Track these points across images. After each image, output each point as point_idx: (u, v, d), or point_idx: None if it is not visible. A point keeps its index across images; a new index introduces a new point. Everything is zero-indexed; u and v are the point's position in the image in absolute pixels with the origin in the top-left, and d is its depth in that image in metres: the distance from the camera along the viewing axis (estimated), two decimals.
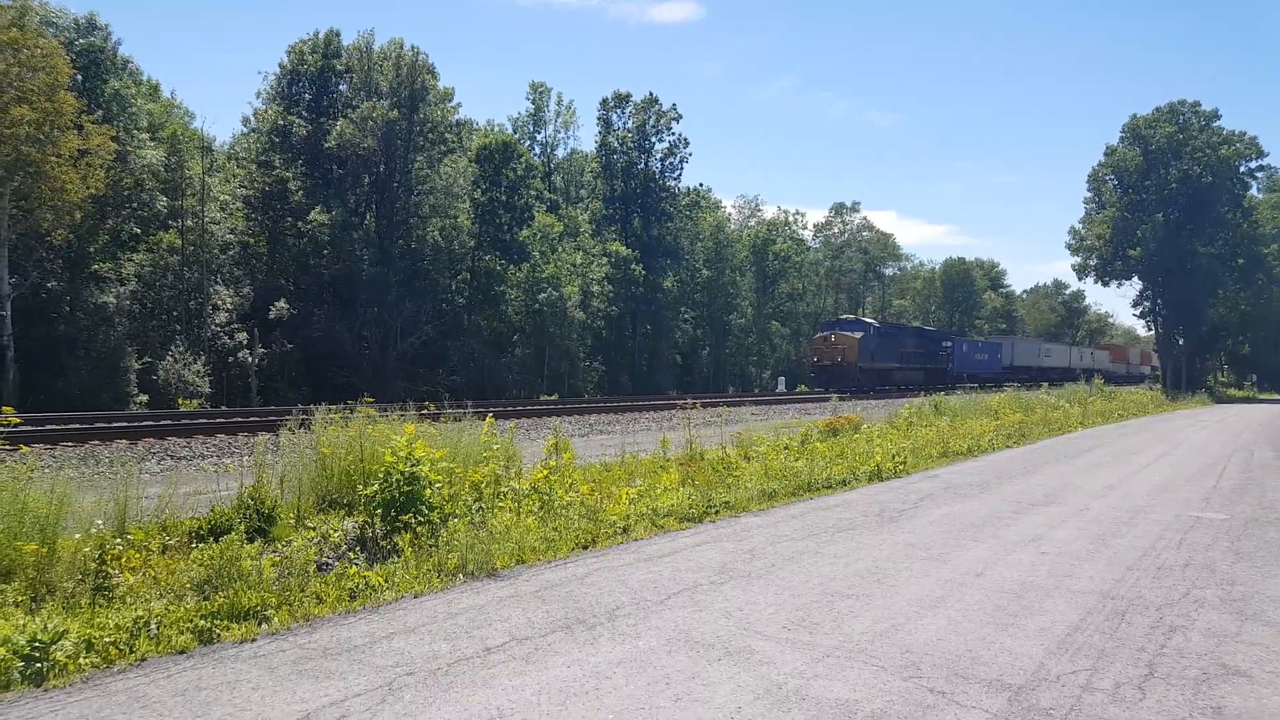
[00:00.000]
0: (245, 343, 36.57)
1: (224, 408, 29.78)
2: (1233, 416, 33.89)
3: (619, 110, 57.89)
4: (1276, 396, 68.44)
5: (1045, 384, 38.79)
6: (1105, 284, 63.85)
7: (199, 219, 37.51)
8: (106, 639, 4.50)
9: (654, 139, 57.91)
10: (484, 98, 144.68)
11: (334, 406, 9.18)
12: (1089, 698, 4.14)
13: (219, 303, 37.70)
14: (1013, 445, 17.90)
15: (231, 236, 39.89)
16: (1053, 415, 24.95)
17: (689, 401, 21.11)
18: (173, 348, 33.85)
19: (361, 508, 7.07)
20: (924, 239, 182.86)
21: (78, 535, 5.66)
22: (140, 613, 4.81)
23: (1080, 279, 66.23)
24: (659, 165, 58.28)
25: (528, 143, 62.59)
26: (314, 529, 6.89)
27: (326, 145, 40.75)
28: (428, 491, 6.98)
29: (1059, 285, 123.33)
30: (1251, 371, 79.20)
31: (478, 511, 7.40)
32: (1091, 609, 5.71)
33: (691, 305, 63.97)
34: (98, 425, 15.93)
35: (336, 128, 40.44)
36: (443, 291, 45.64)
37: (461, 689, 4.11)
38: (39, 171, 26.63)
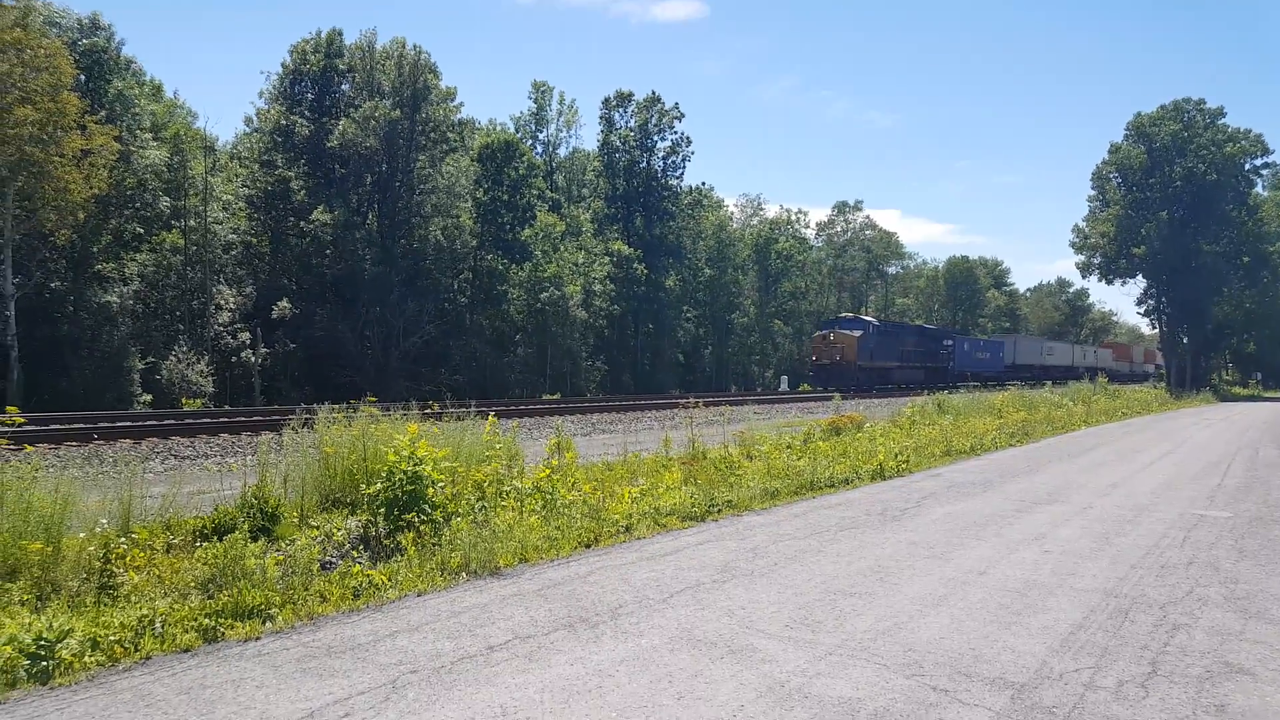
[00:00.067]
0: (248, 342, 36.63)
1: (227, 407, 29.82)
2: (1237, 415, 33.83)
3: (621, 109, 57.89)
4: None
5: (1049, 383, 38.74)
6: (1109, 282, 63.74)
7: (202, 219, 37.57)
8: (111, 637, 4.51)
9: (656, 138, 57.90)
10: (486, 97, 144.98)
11: (337, 406, 9.19)
12: (1092, 696, 4.14)
13: (222, 302, 37.77)
14: (1016, 444, 17.88)
15: (234, 236, 39.96)
16: (1056, 414, 24.92)
17: (691, 401, 21.10)
18: (176, 347, 33.92)
19: (365, 507, 7.09)
20: (927, 237, 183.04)
21: (82, 534, 5.67)
22: (145, 611, 4.83)
23: (1084, 277, 66.12)
24: (661, 164, 58.26)
25: (530, 142, 62.62)
26: (317, 528, 6.91)
27: (329, 145, 40.80)
28: (430, 490, 6.99)
29: (1063, 283, 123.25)
30: (1256, 370, 79.03)
31: (480, 510, 7.41)
32: (1095, 607, 5.71)
33: (694, 304, 63.95)
34: (101, 425, 15.96)
35: (339, 127, 40.49)
36: (445, 291, 45.68)
37: (465, 687, 4.12)
38: (42, 172, 26.68)
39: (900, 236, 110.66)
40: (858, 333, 43.95)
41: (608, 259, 51.75)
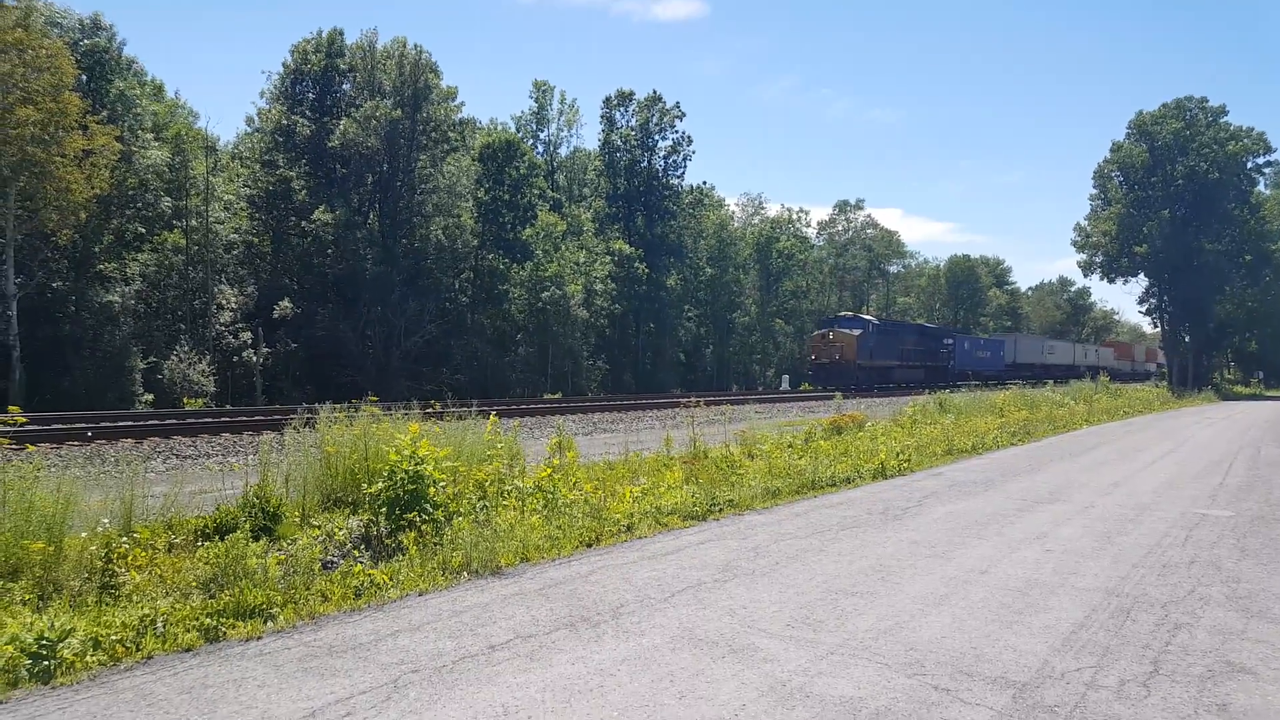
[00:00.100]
0: (250, 342, 36.65)
1: (229, 407, 29.87)
2: (1239, 414, 33.79)
3: (622, 108, 57.86)
4: None
5: (1050, 382, 38.71)
6: (1111, 281, 63.69)
7: (203, 219, 37.60)
8: (113, 637, 4.52)
9: (657, 137, 57.87)
10: (487, 96, 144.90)
11: (338, 405, 9.21)
12: (1094, 695, 4.14)
13: (223, 302, 37.80)
14: (1017, 443, 17.87)
15: (236, 236, 39.98)
16: (1058, 413, 24.91)
17: (692, 400, 21.09)
18: (177, 347, 33.96)
19: (366, 506, 7.09)
20: (928, 236, 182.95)
21: (84, 534, 5.68)
22: (146, 611, 4.83)
23: (1086, 276, 66.05)
24: (662, 163, 58.24)
25: (531, 141, 62.59)
26: (319, 527, 6.91)
27: (330, 144, 40.81)
28: (432, 490, 7.00)
29: (1064, 282, 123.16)
30: (1258, 368, 78.95)
31: (482, 510, 7.41)
32: (1096, 606, 5.71)
33: (695, 303, 63.94)
34: (103, 424, 15.98)
35: (340, 127, 40.51)
36: (446, 290, 45.70)
37: (466, 686, 4.12)
38: (44, 172, 26.70)
39: (901, 235, 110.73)
40: (857, 331, 43.80)
41: (609, 258, 51.74)
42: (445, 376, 42.01)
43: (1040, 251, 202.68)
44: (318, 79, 43.25)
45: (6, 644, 4.19)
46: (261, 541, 6.15)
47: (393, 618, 5.21)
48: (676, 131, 58.15)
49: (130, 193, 34.92)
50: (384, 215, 42.54)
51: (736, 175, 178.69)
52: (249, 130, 45.45)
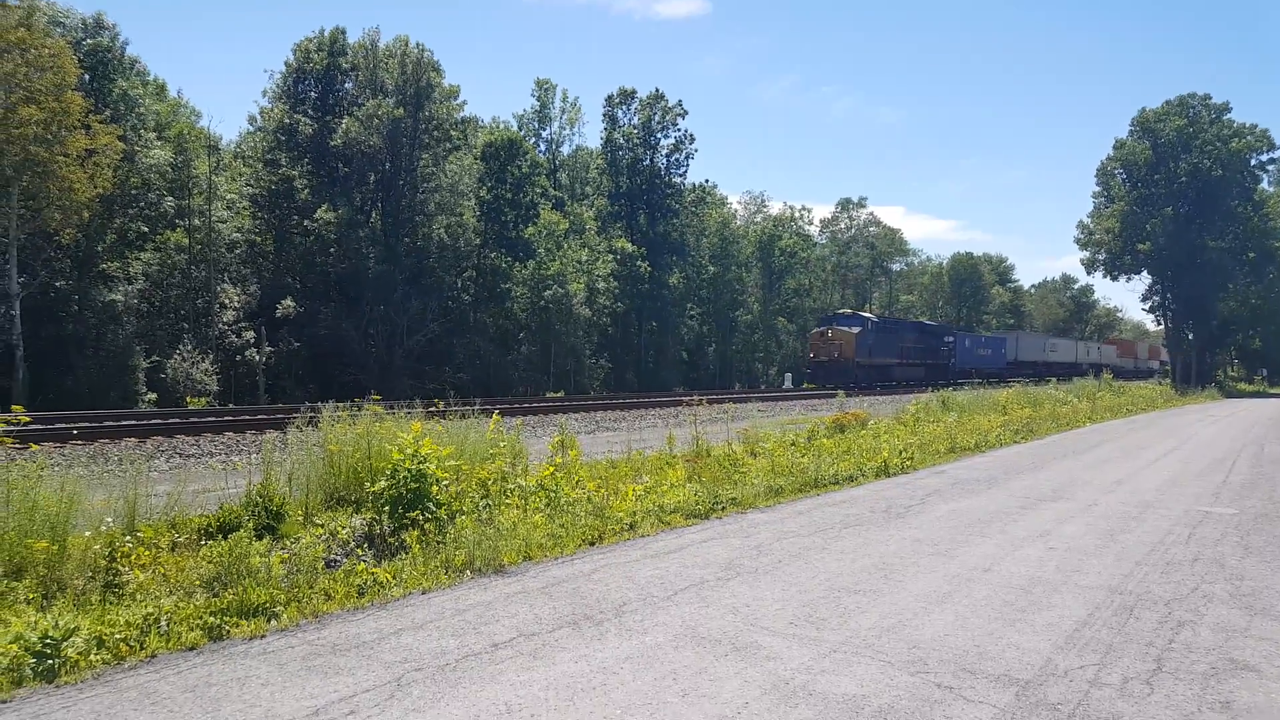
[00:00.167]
0: (252, 341, 36.70)
1: (231, 406, 29.90)
2: (1243, 411, 33.74)
3: (624, 106, 57.85)
4: None
5: (1053, 379, 38.66)
6: (1114, 278, 63.62)
7: (206, 218, 37.65)
8: (117, 636, 4.52)
9: (659, 135, 57.87)
10: (489, 95, 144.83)
11: (341, 404, 9.22)
12: (1097, 692, 4.14)
13: (226, 301, 37.86)
14: (1021, 440, 17.85)
15: (238, 235, 40.05)
16: (1061, 410, 24.88)
17: (695, 398, 21.10)
18: (180, 346, 34.01)
19: (369, 505, 7.10)
20: (931, 234, 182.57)
21: (88, 533, 5.69)
22: (150, 609, 4.84)
23: (1089, 273, 66.11)
24: (664, 161, 58.25)
25: (533, 140, 62.57)
26: (322, 526, 6.92)
27: (332, 143, 40.85)
28: (435, 488, 7.00)
29: (1068, 280, 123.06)
30: (1261, 366, 78.87)
31: (485, 508, 7.42)
32: (1099, 604, 5.70)
33: (697, 302, 63.93)
34: (106, 424, 16.00)
35: (342, 126, 40.54)
36: (448, 289, 45.71)
37: (469, 684, 4.12)
38: (47, 171, 26.77)
39: (904, 233, 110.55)
40: (856, 329, 43.62)
41: (611, 257, 51.73)
42: (448, 375, 42.04)
43: (1043, 249, 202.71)
44: (320, 78, 43.28)
45: (11, 643, 4.20)
46: (265, 540, 6.16)
47: (396, 616, 5.21)
48: (679, 130, 58.21)
49: (133, 192, 34.99)
50: (386, 214, 42.57)
51: (739, 173, 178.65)
52: (251, 129, 45.54)
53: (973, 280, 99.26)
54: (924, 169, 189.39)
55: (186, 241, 37.36)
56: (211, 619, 4.87)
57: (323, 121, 41.94)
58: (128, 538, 5.78)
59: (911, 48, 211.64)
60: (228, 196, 40.30)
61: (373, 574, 5.82)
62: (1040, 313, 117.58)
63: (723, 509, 8.94)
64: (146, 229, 36.43)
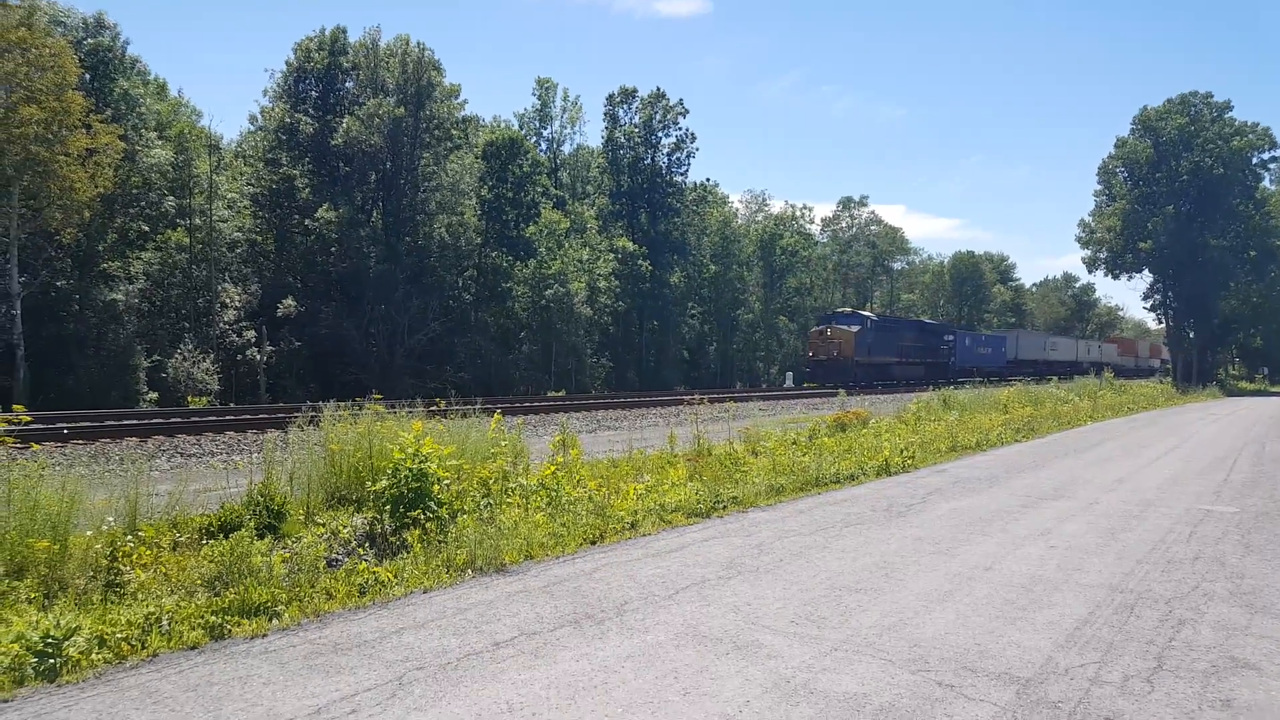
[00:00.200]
0: (253, 340, 36.72)
1: (233, 405, 29.94)
2: (1244, 410, 33.72)
3: (625, 105, 57.83)
4: None
5: (1054, 378, 38.63)
6: (1115, 277, 63.60)
7: (207, 217, 37.67)
8: (119, 635, 4.53)
9: (660, 134, 57.87)
10: (490, 94, 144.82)
11: (342, 403, 9.22)
12: (1097, 690, 4.14)
13: (227, 300, 37.87)
14: (1021, 439, 17.84)
15: (239, 234, 40.06)
16: (1062, 409, 24.87)
17: (696, 397, 21.11)
18: (181, 345, 34.04)
19: (370, 504, 7.10)
20: (933, 233, 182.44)
21: (89, 532, 5.69)
22: (152, 609, 4.84)
23: (1090, 272, 65.99)
24: (665, 160, 58.24)
25: (534, 139, 62.60)
26: (323, 525, 6.92)
27: (333, 143, 40.86)
28: (436, 488, 7.00)
29: (1069, 278, 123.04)
30: (1263, 364, 78.86)
31: (486, 507, 7.42)
32: (1100, 602, 5.70)
33: (699, 301, 63.92)
34: (108, 423, 16.02)
35: (343, 125, 40.55)
36: (449, 288, 45.73)
37: (471, 683, 4.13)
38: (48, 171, 26.79)
39: (905, 232, 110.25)
40: (855, 328, 43.52)
41: (612, 256, 51.73)
42: (449, 374, 42.08)
43: (1044, 248, 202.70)
44: (321, 77, 43.29)
45: (12, 642, 4.21)
46: (266, 539, 6.17)
47: (397, 615, 5.22)
48: (680, 128, 58.21)
49: (134, 191, 35.01)
50: (387, 213, 42.58)
51: (740, 172, 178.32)
52: (252, 129, 45.59)
53: (974, 279, 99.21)
54: (925, 168, 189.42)
55: (187, 241, 37.38)
56: (213, 618, 4.87)
57: (323, 121, 41.94)
58: (129, 537, 5.78)
59: (912, 47, 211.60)
60: (228, 196, 40.32)
61: (374, 573, 5.82)
62: (1041, 311, 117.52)
63: (724, 508, 8.94)
64: (147, 228, 36.44)
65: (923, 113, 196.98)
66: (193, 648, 4.61)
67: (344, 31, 43.78)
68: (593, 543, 7.29)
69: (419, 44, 43.03)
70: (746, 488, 9.72)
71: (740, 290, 66.45)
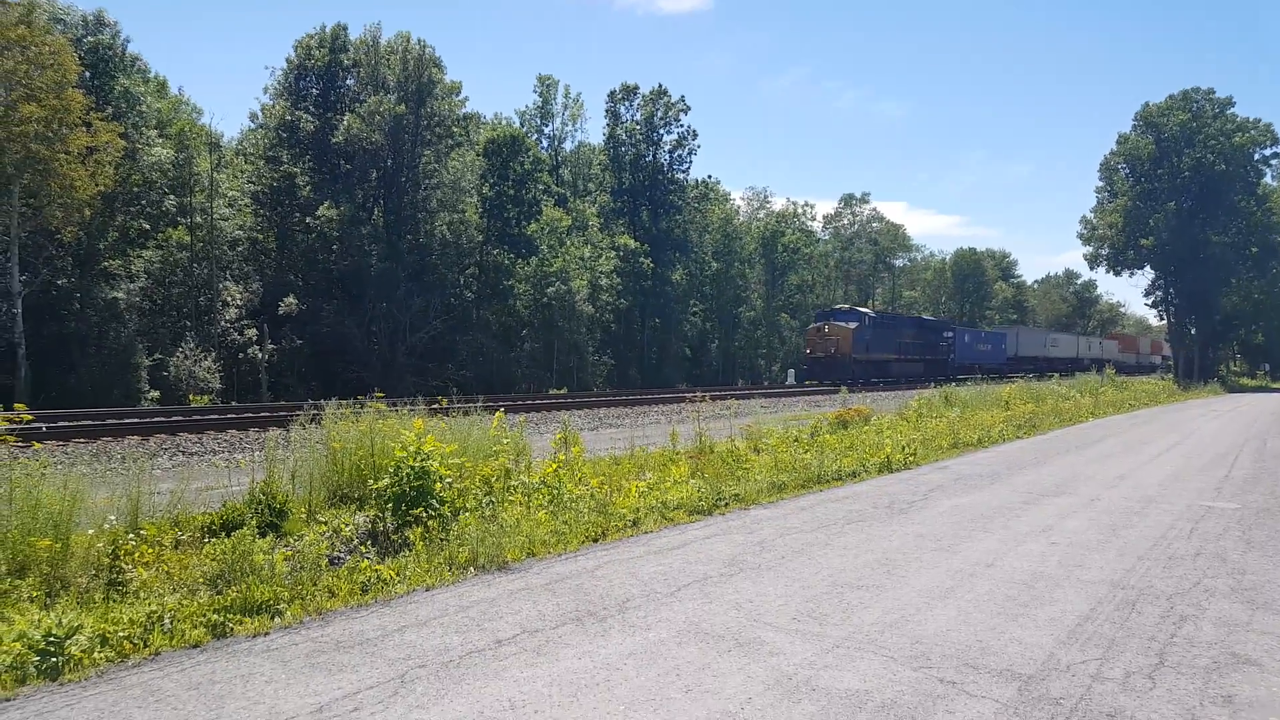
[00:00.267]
0: (255, 338, 36.73)
1: (234, 403, 29.96)
2: (1245, 406, 33.69)
3: (627, 102, 57.73)
4: None
5: (1055, 375, 38.60)
6: (1117, 274, 63.58)
7: (208, 215, 37.66)
8: (120, 633, 4.53)
9: (662, 131, 57.74)
10: (491, 91, 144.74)
11: (344, 401, 9.21)
12: (1099, 687, 4.14)
13: (228, 299, 37.88)
14: (1023, 436, 17.84)
15: (240, 232, 40.05)
16: (1063, 406, 24.85)
17: (698, 395, 21.10)
18: (183, 344, 34.03)
19: (372, 502, 7.11)
20: (934, 230, 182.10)
21: (91, 531, 5.70)
22: (154, 607, 4.85)
23: (1092, 269, 66.04)
24: (667, 157, 58.14)
25: (535, 136, 62.53)
26: (325, 523, 6.93)
27: (334, 140, 40.83)
28: (438, 485, 7.01)
29: (1070, 275, 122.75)
30: (1264, 360, 78.82)
31: (488, 505, 7.43)
32: (1102, 599, 5.70)
33: (700, 298, 63.87)
34: (109, 421, 16.03)
35: (344, 123, 40.51)
36: (451, 286, 45.70)
37: (473, 681, 4.13)
38: (48, 169, 26.76)
39: (907, 229, 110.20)
40: (853, 325, 43.34)
41: (614, 253, 51.69)
42: (451, 372, 42.07)
43: (1046, 245, 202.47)
44: (321, 74, 43.23)
45: (14, 641, 4.22)
46: (268, 538, 6.17)
47: (399, 613, 5.22)
48: (681, 126, 58.08)
49: (134, 190, 34.99)
50: (388, 211, 42.56)
51: (741, 169, 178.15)
52: (253, 126, 45.54)
53: (976, 276, 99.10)
54: (927, 165, 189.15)
55: (188, 239, 37.37)
56: (215, 616, 4.88)
57: (324, 118, 41.90)
58: (131, 535, 5.79)
59: (914, 44, 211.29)
60: (229, 194, 40.29)
61: (376, 571, 5.83)
62: (1043, 308, 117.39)
63: (726, 505, 8.94)
64: (148, 226, 36.43)
65: (924, 110, 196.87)
66: (195, 646, 4.62)
67: (345, 29, 43.75)
68: (595, 540, 7.29)
69: (420, 41, 43.02)
70: (748, 485, 9.72)
71: (742, 288, 66.41)
